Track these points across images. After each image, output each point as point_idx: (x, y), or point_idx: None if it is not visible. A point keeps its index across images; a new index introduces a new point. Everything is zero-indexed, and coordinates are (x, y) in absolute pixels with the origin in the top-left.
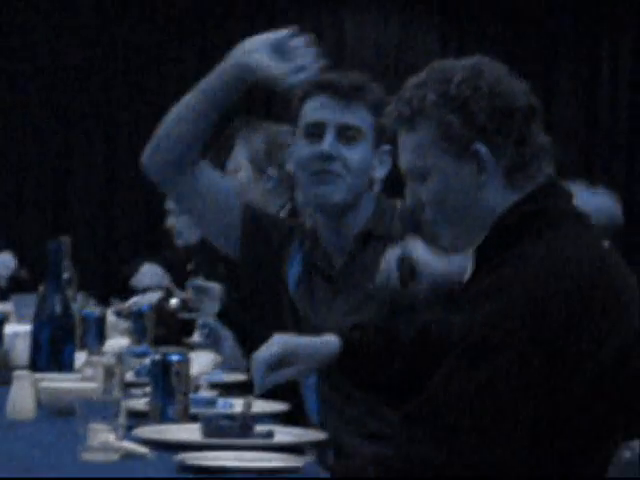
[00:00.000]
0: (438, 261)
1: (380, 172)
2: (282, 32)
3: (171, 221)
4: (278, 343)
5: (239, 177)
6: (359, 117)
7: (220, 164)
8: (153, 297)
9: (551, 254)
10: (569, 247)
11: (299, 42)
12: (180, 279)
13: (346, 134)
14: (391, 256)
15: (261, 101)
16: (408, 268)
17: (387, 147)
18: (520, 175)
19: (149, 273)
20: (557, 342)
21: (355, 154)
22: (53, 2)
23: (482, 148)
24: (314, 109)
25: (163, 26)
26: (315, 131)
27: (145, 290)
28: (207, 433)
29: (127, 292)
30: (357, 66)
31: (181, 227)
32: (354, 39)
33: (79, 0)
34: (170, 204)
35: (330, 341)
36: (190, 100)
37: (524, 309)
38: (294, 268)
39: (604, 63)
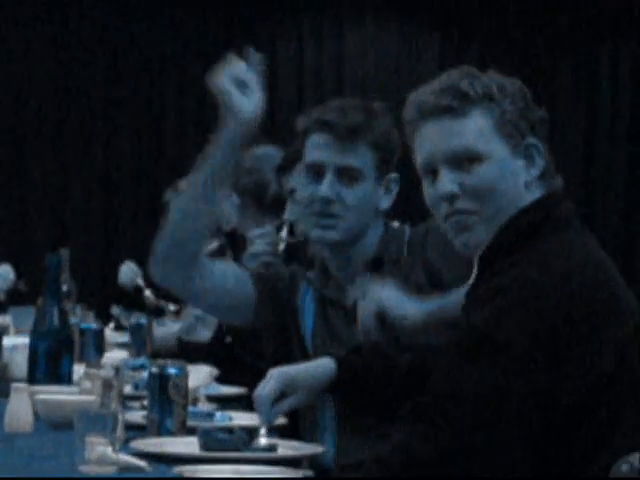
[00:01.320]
0: (414, 302)
1: (385, 202)
2: (240, 65)
3: None
4: (276, 377)
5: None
6: (359, 158)
7: None
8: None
9: (556, 257)
10: (573, 251)
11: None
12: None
13: (346, 175)
14: (365, 313)
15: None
16: (385, 321)
17: (392, 175)
18: (548, 180)
19: (124, 271)
20: (560, 342)
21: (355, 193)
22: None
23: (539, 143)
24: (314, 148)
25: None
26: (315, 171)
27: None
28: (204, 446)
29: (126, 304)
30: (357, 79)
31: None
32: (354, 52)
33: None
34: None
35: (325, 364)
36: (194, 188)
37: (528, 309)
38: (308, 307)
39: (604, 68)
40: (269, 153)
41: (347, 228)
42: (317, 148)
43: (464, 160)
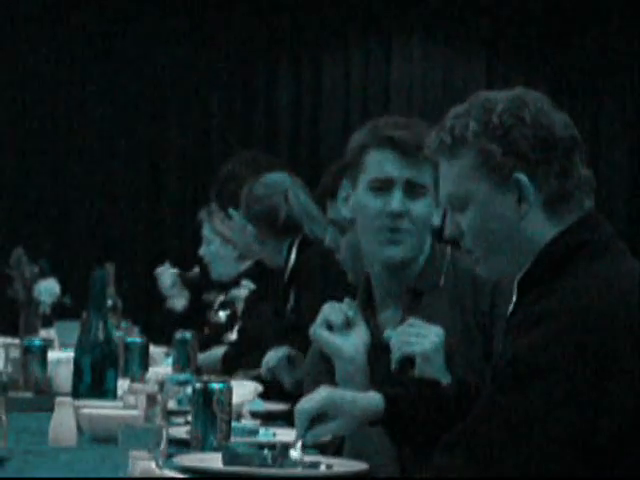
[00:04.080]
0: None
1: (437, 219)
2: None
3: (202, 251)
4: (322, 395)
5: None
6: (425, 174)
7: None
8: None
9: (596, 285)
10: (613, 278)
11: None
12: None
13: (413, 191)
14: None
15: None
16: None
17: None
18: (561, 207)
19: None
20: (604, 368)
21: (420, 208)
22: None
23: (523, 177)
24: (380, 163)
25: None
26: (382, 186)
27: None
28: (226, 461)
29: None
30: (403, 100)
31: (212, 259)
32: (401, 75)
33: None
34: (206, 231)
35: (373, 397)
36: None
37: (570, 337)
38: None
39: None
40: (278, 179)
41: (412, 246)
42: (383, 163)
43: (452, 204)
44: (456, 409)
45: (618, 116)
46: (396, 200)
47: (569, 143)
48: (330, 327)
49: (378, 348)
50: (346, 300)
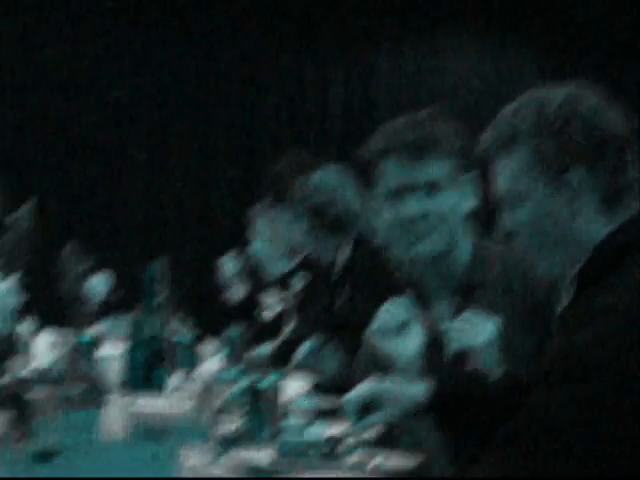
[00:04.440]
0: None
1: (467, 204)
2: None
3: (252, 249)
4: (368, 386)
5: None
6: (437, 170)
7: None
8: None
9: None
10: None
11: None
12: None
13: (431, 188)
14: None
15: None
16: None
17: (469, 176)
18: (615, 204)
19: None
20: None
21: (438, 204)
22: None
23: (578, 175)
24: (392, 171)
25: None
26: (398, 192)
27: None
28: (281, 454)
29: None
30: (455, 94)
31: (261, 256)
32: (451, 67)
33: None
34: (256, 228)
35: (420, 386)
36: None
37: (626, 334)
38: None
39: None
40: (332, 174)
41: (438, 239)
42: (394, 171)
43: (507, 201)
44: (506, 403)
45: None
46: (413, 203)
47: (623, 140)
48: (386, 331)
49: (433, 343)
50: (400, 300)
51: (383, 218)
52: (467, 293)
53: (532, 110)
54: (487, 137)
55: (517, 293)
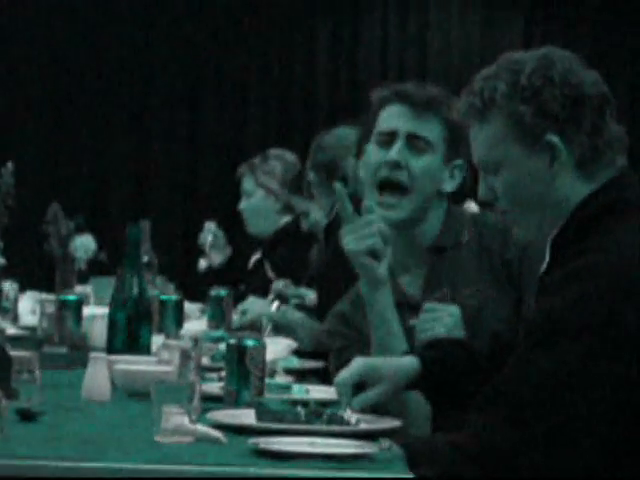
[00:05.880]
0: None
1: (449, 186)
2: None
3: (243, 205)
4: (359, 364)
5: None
6: (430, 129)
7: None
8: None
9: (629, 244)
10: None
11: None
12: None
13: (415, 144)
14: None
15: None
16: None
17: (459, 162)
18: (593, 165)
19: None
20: (631, 337)
21: (422, 164)
22: None
23: (554, 138)
24: (388, 117)
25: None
26: (386, 139)
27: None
28: (259, 418)
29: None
30: (440, 65)
31: (250, 214)
32: (438, 37)
33: None
34: (246, 184)
35: (409, 360)
36: None
37: (600, 300)
38: None
39: None
40: (345, 133)
41: (411, 207)
42: (391, 117)
43: (485, 167)
44: (489, 364)
45: None
46: (394, 150)
47: (599, 100)
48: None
49: (400, 310)
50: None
51: (366, 167)
52: (438, 255)
53: (506, 75)
54: (463, 103)
55: (491, 251)
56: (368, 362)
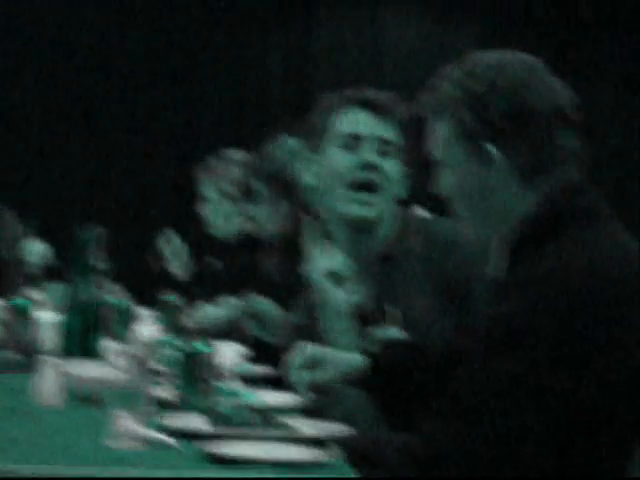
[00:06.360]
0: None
1: (403, 192)
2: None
3: (203, 209)
4: (307, 348)
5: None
6: (395, 133)
7: None
8: None
9: (582, 252)
10: (600, 245)
11: None
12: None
13: (384, 148)
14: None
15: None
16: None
17: (409, 170)
18: (539, 177)
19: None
20: (588, 337)
21: (391, 166)
22: None
23: (493, 149)
24: (352, 122)
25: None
26: (353, 143)
27: None
28: (211, 422)
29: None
30: (393, 65)
31: (214, 218)
32: (391, 38)
33: None
34: (203, 187)
35: (355, 357)
36: None
37: (553, 306)
38: None
39: None
40: (291, 143)
41: (382, 207)
42: (355, 122)
43: (435, 164)
44: (439, 374)
45: (615, 97)
46: (367, 152)
47: (549, 114)
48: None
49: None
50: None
51: (332, 171)
52: (386, 263)
53: (458, 77)
54: (420, 100)
55: (436, 265)
56: (314, 347)
